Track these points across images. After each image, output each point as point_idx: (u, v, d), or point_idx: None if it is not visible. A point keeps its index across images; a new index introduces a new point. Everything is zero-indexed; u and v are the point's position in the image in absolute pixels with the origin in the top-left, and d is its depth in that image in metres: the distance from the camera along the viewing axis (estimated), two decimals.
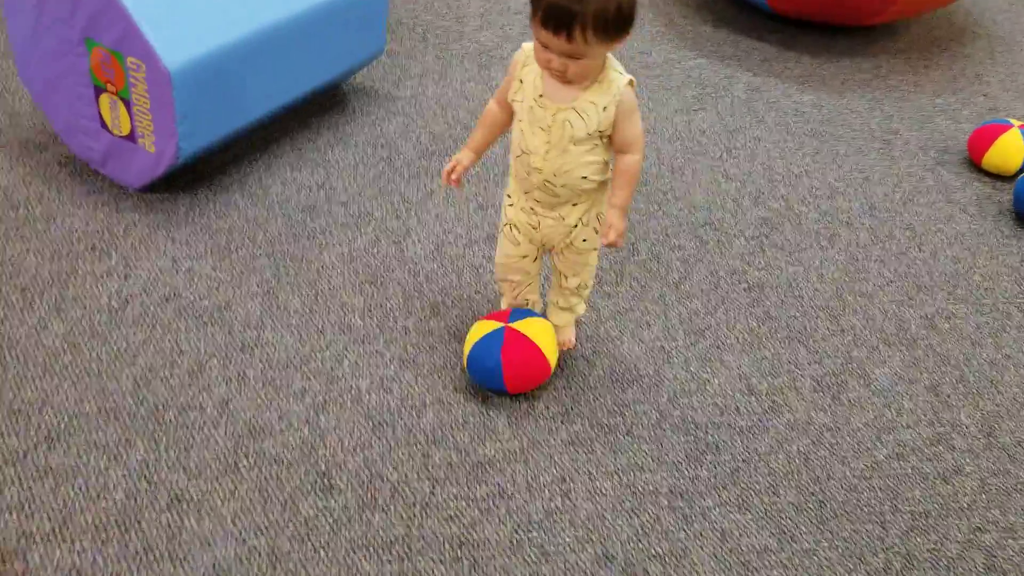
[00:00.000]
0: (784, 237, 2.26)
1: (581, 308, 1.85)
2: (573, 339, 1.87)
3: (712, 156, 2.52)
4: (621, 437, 1.72)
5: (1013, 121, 2.54)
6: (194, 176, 2.21)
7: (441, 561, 1.48)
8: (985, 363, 1.98)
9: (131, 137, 2.03)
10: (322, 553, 1.47)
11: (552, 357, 1.73)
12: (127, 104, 1.98)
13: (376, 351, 1.82)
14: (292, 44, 2.14)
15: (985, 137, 2.54)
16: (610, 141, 1.54)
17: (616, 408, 1.77)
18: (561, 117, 1.49)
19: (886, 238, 2.30)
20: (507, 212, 1.68)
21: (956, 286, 2.17)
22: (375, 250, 2.06)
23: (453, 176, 1.64)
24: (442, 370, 1.80)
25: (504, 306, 1.86)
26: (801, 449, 1.74)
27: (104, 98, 2.01)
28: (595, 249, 1.70)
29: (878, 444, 1.77)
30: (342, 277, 1.99)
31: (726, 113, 2.71)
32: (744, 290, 2.08)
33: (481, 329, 1.72)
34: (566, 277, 1.74)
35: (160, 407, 1.66)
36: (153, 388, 1.69)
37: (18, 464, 1.54)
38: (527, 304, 1.84)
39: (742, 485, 1.66)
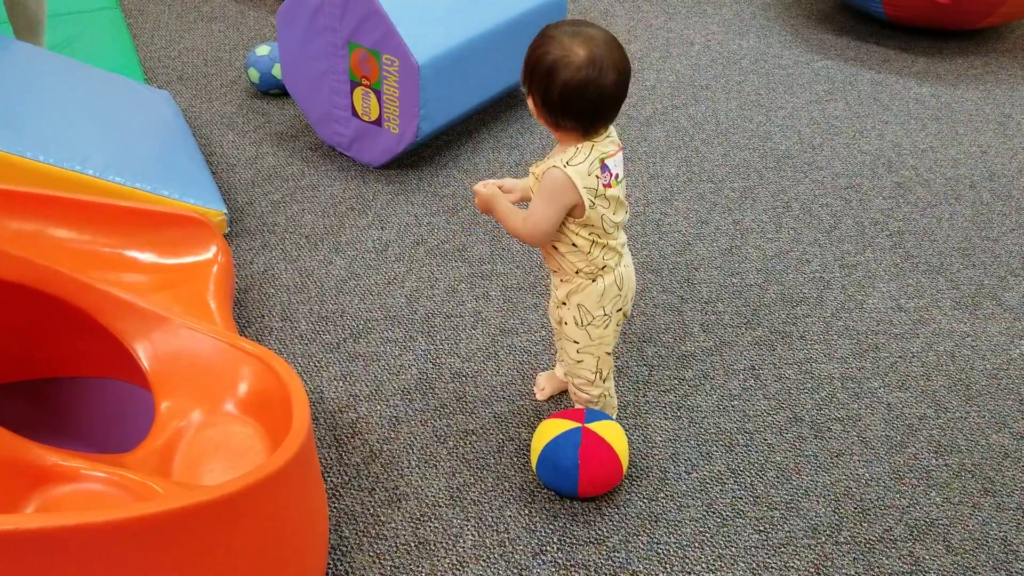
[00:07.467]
0: (916, 196, 2.63)
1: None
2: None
3: (847, 136, 2.91)
4: (795, 340, 2.11)
5: None
6: (419, 158, 2.70)
7: (665, 418, 1.89)
8: None
9: (378, 122, 2.53)
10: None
11: (626, 461, 1.70)
12: (378, 94, 2.49)
13: None
14: (497, 48, 2.63)
15: None
16: (582, 220, 1.53)
17: (789, 319, 2.16)
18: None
19: (1006, 197, 2.65)
20: None
21: None
22: None
23: None
24: (640, 300, 2.22)
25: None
26: (947, 349, 2.10)
27: (358, 90, 2.52)
28: (574, 342, 1.66)
29: (1011, 346, 2.12)
30: None
31: (854, 103, 3.11)
32: (887, 236, 2.46)
33: (555, 428, 1.69)
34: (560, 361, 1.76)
35: (429, 315, 2.12)
36: (421, 302, 2.16)
37: (334, 351, 2.02)
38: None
39: (901, 373, 2.03)
